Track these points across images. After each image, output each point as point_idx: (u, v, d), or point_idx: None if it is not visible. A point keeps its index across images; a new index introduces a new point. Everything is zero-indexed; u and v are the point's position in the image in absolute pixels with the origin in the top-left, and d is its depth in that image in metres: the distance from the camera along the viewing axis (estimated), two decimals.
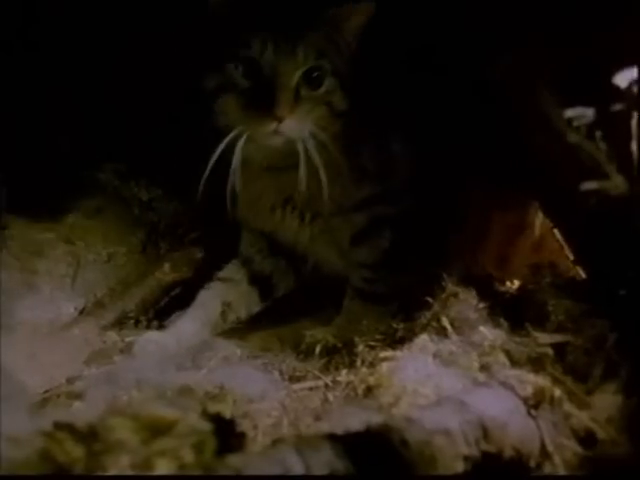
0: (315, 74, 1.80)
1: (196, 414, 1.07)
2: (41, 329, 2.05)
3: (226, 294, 2.09)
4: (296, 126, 1.77)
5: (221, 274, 2.12)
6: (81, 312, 2.11)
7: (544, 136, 1.68)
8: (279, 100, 1.73)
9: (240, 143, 1.76)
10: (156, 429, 1.04)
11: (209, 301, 2.07)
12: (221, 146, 1.75)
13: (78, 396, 1.63)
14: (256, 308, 2.15)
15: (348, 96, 1.87)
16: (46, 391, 1.72)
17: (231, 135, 1.76)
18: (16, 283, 2.08)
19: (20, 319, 2.05)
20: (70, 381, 1.76)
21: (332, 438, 1.03)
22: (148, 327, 2.10)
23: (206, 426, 1.06)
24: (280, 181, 1.92)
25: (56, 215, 2.18)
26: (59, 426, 1.06)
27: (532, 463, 1.23)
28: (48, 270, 2.14)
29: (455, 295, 1.70)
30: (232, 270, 2.14)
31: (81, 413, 1.49)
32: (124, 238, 2.23)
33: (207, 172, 1.74)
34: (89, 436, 1.04)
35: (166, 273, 2.17)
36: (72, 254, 2.18)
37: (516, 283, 2.05)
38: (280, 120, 1.74)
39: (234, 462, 0.96)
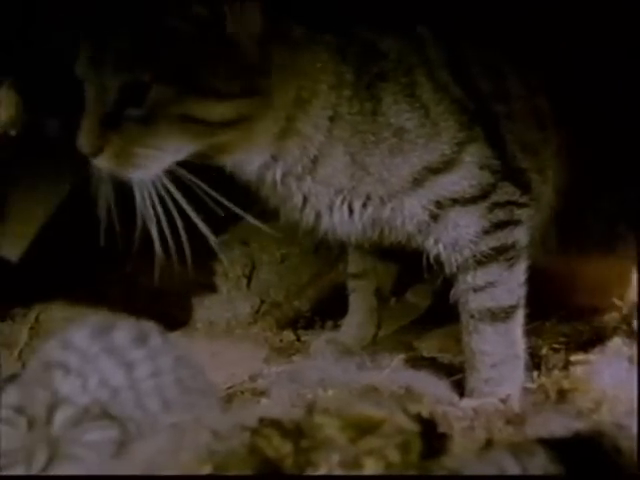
0: (135, 90, 1.42)
1: (403, 414, 1.06)
2: (219, 328, 2.11)
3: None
4: (118, 161, 1.44)
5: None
6: (257, 311, 2.15)
7: None
8: (82, 129, 1.42)
9: None
10: (363, 428, 1.04)
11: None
12: None
13: (262, 393, 1.66)
14: None
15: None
16: (229, 388, 1.76)
17: None
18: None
19: (199, 318, 2.12)
20: (252, 379, 1.79)
21: (545, 443, 1.01)
22: (322, 327, 2.12)
23: (413, 426, 1.05)
24: None
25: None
26: (265, 422, 1.07)
27: None
28: (225, 271, 2.19)
29: None
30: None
31: (269, 410, 1.51)
32: (297, 240, 2.25)
33: None
34: (295, 433, 1.05)
35: (339, 273, 2.18)
36: (247, 255, 2.23)
37: None
38: (91, 155, 1.43)
39: (449, 463, 0.95)
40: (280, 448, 1.03)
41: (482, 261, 1.63)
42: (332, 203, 1.65)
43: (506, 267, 1.64)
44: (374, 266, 1.98)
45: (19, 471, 1.26)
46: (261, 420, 1.08)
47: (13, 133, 1.75)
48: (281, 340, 2.06)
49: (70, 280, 2.17)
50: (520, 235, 1.66)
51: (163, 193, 1.47)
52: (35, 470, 1.26)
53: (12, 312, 2.13)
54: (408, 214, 1.63)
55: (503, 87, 1.73)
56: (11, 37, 1.70)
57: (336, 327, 2.09)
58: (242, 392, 1.73)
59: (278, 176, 1.62)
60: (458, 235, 1.63)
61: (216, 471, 1.06)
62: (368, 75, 1.61)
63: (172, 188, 1.47)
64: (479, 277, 1.64)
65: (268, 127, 1.55)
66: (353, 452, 1.01)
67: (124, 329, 1.48)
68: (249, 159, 1.60)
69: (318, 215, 1.67)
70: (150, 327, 1.52)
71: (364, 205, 1.64)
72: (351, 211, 1.65)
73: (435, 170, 1.61)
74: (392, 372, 1.67)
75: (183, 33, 1.44)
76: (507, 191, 1.65)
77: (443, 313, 2.05)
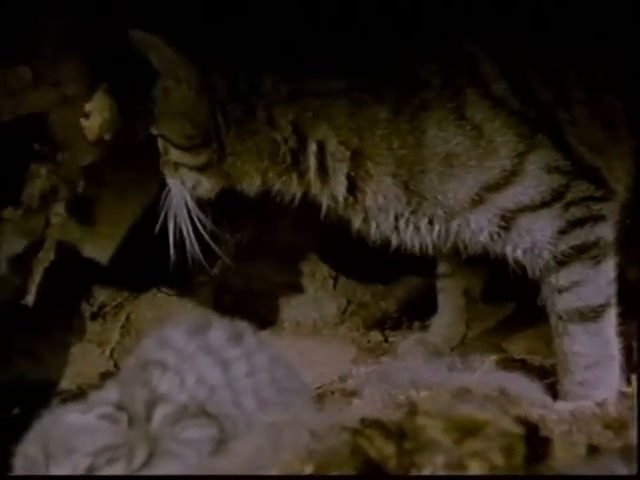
0: None
1: (507, 417, 1.05)
2: (306, 328, 2.12)
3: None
4: None
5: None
6: (344, 312, 2.16)
7: None
8: None
9: None
10: (466, 430, 1.04)
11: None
12: None
13: (353, 394, 1.66)
14: None
15: None
16: (318, 387, 1.77)
17: None
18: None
19: (286, 318, 2.13)
20: (342, 379, 1.80)
21: None
22: (410, 327, 2.11)
23: (517, 429, 1.04)
24: None
25: None
26: (366, 423, 1.07)
27: None
28: (311, 271, 2.20)
29: None
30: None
31: (361, 410, 1.51)
32: None
33: None
34: (398, 434, 1.05)
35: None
36: None
37: None
38: None
39: (555, 467, 0.94)
40: (383, 449, 1.03)
41: (564, 261, 1.60)
42: (396, 225, 1.65)
43: (591, 265, 1.60)
44: (463, 266, 1.96)
45: (118, 467, 1.28)
46: (362, 421, 1.08)
47: (107, 137, 1.79)
48: (369, 341, 2.05)
49: (160, 281, 2.21)
50: (604, 231, 1.61)
51: None
52: (135, 466, 1.29)
53: (103, 311, 2.17)
54: (476, 228, 1.62)
55: (564, 92, 1.68)
56: (107, 42, 1.74)
57: (423, 328, 2.07)
58: (332, 392, 1.74)
59: (324, 206, 1.67)
60: (534, 239, 1.60)
61: (318, 471, 1.06)
62: (409, 108, 1.59)
63: None
64: (563, 277, 1.61)
65: None
66: (457, 454, 1.00)
67: (219, 328, 1.50)
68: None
69: (384, 234, 1.67)
70: (244, 327, 1.53)
71: (430, 223, 1.64)
72: (418, 229, 1.65)
73: (495, 187, 1.58)
74: (484, 374, 1.65)
75: None
76: (581, 189, 1.61)
77: (530, 314, 2.04)
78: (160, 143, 1.71)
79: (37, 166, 1.79)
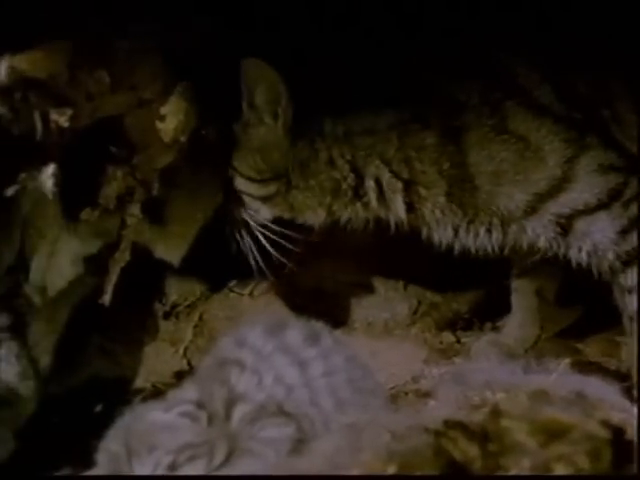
0: None
1: (592, 420, 1.04)
2: (377, 328, 2.12)
3: None
4: None
5: None
6: (415, 312, 2.15)
7: None
8: None
9: None
10: (551, 433, 1.03)
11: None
12: None
13: (427, 395, 1.65)
14: None
15: None
16: (391, 388, 1.77)
17: None
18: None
19: (357, 318, 2.13)
20: (415, 380, 1.79)
21: None
22: (481, 328, 2.10)
23: (603, 433, 1.03)
24: None
25: None
26: (450, 424, 1.07)
27: None
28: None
29: None
30: None
31: (436, 411, 1.50)
32: None
33: None
34: (481, 436, 1.04)
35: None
36: None
37: None
38: None
39: None
40: (467, 451, 1.03)
41: (629, 261, 1.58)
42: (455, 234, 1.71)
43: None
44: (537, 267, 1.94)
45: (199, 465, 1.30)
46: (445, 422, 1.08)
47: (182, 139, 1.81)
48: (441, 342, 2.05)
49: (230, 280, 2.23)
50: None
51: None
52: (215, 464, 1.30)
53: (176, 310, 2.20)
54: (532, 234, 1.64)
55: (605, 90, 1.68)
56: (184, 46, 1.76)
57: (494, 329, 2.06)
58: (405, 393, 1.74)
59: (392, 224, 1.76)
60: (595, 241, 1.59)
61: (400, 471, 1.06)
62: (451, 130, 1.65)
63: None
64: (630, 278, 1.59)
65: None
66: (543, 457, 1.00)
67: (296, 328, 1.51)
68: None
69: (447, 242, 1.74)
70: (320, 326, 1.54)
71: (488, 230, 1.68)
72: (477, 236, 1.69)
73: (546, 196, 1.60)
74: (560, 376, 1.63)
75: None
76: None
77: (603, 316, 2.01)
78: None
79: (114, 168, 1.81)
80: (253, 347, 1.48)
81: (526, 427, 1.04)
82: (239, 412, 1.38)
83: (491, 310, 2.13)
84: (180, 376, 1.98)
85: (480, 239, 1.70)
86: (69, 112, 1.56)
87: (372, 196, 1.72)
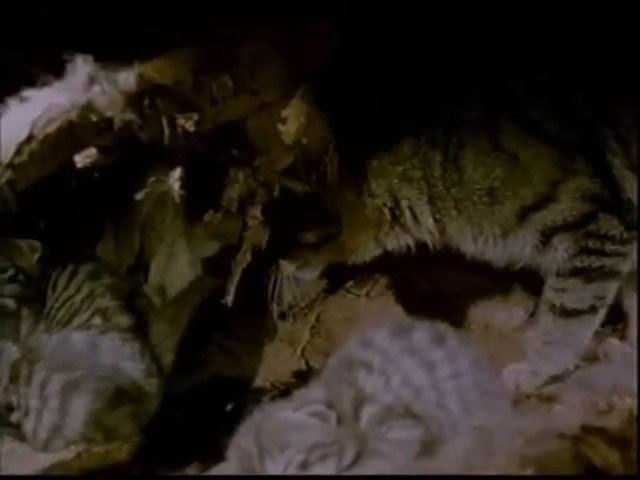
0: None
1: None
2: (494, 330, 2.10)
3: None
4: None
5: None
6: (531, 315, 2.12)
7: None
8: None
9: None
10: None
11: None
12: None
13: (552, 399, 1.63)
14: None
15: None
16: None
17: None
18: None
19: (474, 320, 2.12)
20: None
21: None
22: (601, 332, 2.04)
23: None
24: None
25: None
26: (588, 429, 1.06)
27: None
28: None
29: None
30: None
31: (563, 416, 1.49)
32: None
33: None
34: (621, 442, 1.03)
35: None
36: None
37: None
38: None
39: None
40: (608, 457, 1.01)
41: None
42: (474, 244, 1.84)
43: None
44: None
45: (330, 464, 1.31)
46: (584, 427, 1.07)
47: (304, 141, 1.83)
48: None
49: (347, 281, 2.25)
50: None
51: None
52: (345, 464, 1.32)
53: (293, 311, 2.23)
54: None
55: (608, 109, 1.72)
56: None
57: (614, 332, 2.01)
58: (527, 397, 1.72)
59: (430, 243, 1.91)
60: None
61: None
62: (452, 147, 1.78)
63: None
64: None
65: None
66: None
67: (422, 330, 1.52)
68: None
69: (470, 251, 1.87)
70: (446, 328, 1.54)
71: (494, 240, 1.81)
72: (487, 245, 1.82)
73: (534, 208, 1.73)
74: None
75: None
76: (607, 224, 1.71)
77: None
78: None
79: (236, 171, 1.85)
80: (380, 348, 1.48)
81: None
82: (367, 413, 1.39)
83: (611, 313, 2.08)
84: (299, 376, 2.01)
85: (488, 249, 1.84)
86: (195, 117, 1.59)
87: (407, 215, 1.85)
